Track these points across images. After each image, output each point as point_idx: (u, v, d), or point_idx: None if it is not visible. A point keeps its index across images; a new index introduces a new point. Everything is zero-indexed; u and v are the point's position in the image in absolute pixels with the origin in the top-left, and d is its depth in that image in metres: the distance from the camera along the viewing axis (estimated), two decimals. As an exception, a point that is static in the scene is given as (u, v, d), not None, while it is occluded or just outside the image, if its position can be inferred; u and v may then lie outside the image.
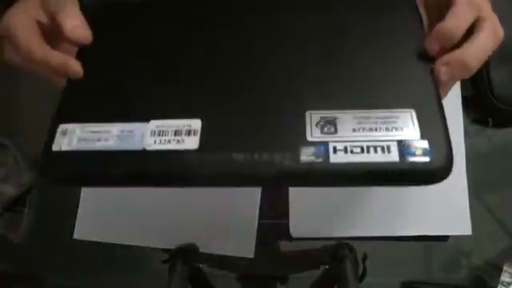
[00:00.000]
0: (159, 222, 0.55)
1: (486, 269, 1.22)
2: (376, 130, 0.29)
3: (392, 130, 0.29)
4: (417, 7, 0.36)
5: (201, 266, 0.57)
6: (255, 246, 0.54)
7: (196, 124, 0.30)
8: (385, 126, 0.29)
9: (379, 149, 0.28)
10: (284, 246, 0.62)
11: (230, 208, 0.55)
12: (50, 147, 0.30)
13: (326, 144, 0.28)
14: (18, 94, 1.30)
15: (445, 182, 0.58)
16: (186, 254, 0.53)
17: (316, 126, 0.29)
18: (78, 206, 0.57)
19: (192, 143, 0.29)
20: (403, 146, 0.28)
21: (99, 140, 0.30)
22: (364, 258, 0.52)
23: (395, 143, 0.28)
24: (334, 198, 0.54)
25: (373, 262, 0.53)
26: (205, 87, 0.32)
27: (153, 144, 0.29)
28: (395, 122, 0.29)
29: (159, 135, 0.30)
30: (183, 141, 0.29)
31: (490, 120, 0.92)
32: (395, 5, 0.36)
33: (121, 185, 0.32)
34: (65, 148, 0.30)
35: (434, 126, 0.29)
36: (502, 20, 0.32)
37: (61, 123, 0.31)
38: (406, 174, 0.28)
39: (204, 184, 0.31)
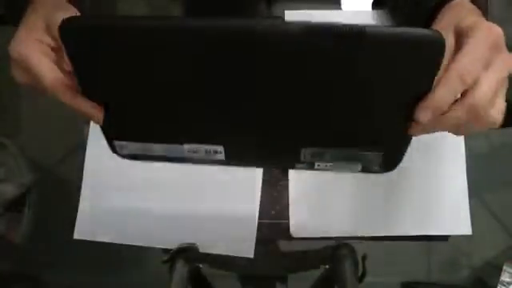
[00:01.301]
0: (159, 222, 0.55)
1: (485, 269, 1.22)
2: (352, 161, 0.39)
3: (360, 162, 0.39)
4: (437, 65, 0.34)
5: (201, 266, 0.57)
6: (255, 246, 0.54)
7: (220, 148, 0.39)
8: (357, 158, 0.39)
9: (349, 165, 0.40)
10: (284, 245, 0.62)
11: (230, 208, 0.55)
12: (114, 147, 0.40)
13: (312, 164, 0.40)
14: (18, 94, 1.31)
15: (445, 182, 0.59)
16: (186, 253, 0.53)
17: (307, 154, 0.39)
18: (78, 206, 0.57)
19: (220, 156, 0.40)
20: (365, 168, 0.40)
21: (150, 150, 0.40)
22: (364, 258, 0.52)
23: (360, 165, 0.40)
24: (334, 199, 0.54)
25: (373, 262, 0.53)
26: (225, 120, 0.38)
27: (192, 154, 0.40)
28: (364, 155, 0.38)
29: (194, 152, 0.40)
30: (214, 154, 0.40)
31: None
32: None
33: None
34: (126, 153, 0.41)
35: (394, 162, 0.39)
36: (502, 20, 0.32)
37: (114, 140, 0.40)
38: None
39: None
